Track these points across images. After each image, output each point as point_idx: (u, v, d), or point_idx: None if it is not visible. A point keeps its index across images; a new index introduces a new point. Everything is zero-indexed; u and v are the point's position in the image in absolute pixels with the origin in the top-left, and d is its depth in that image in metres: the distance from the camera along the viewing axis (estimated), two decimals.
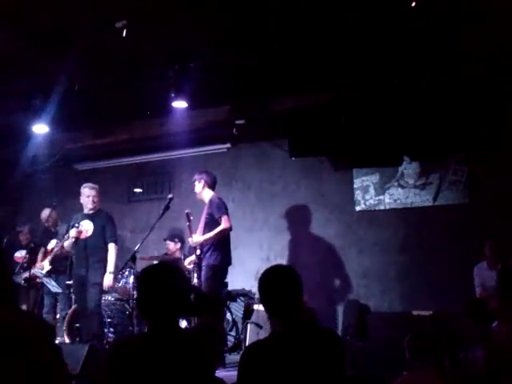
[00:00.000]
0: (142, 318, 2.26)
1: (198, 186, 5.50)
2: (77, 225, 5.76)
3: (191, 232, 5.34)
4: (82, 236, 5.74)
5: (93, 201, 5.84)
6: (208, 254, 5.21)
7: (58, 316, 6.51)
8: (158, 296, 2.12)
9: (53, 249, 6.58)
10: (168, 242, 6.89)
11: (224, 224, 5.20)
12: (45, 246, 6.84)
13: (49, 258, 6.58)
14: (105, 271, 5.62)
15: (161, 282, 2.16)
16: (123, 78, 5.58)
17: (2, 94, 5.85)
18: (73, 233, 5.74)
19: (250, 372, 2.14)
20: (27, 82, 5.69)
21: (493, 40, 4.82)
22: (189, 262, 5.61)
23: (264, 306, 2.36)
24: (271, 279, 2.36)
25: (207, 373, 2.15)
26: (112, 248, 5.71)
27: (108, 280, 5.59)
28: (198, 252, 5.24)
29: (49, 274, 6.48)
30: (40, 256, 6.86)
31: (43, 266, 6.63)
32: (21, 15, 4.49)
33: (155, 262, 6.42)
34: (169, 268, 2.26)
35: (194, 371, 2.06)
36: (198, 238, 5.27)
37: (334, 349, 2.26)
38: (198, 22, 4.62)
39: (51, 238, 6.76)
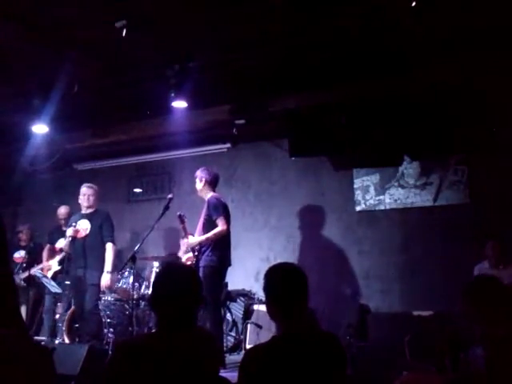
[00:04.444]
0: (157, 312, 2.24)
1: (199, 184, 5.46)
2: (74, 224, 5.76)
3: (186, 233, 5.31)
4: (79, 235, 5.73)
5: (88, 199, 5.84)
6: (206, 255, 5.16)
7: (57, 316, 6.49)
8: (182, 292, 2.14)
9: (61, 249, 6.55)
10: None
11: (220, 226, 5.12)
12: (52, 243, 6.82)
13: (58, 258, 6.57)
14: (102, 271, 5.61)
15: (189, 277, 2.21)
16: (123, 78, 5.58)
17: (1, 94, 5.85)
18: (69, 232, 5.74)
19: (250, 376, 2.13)
20: (27, 82, 5.68)
21: (492, 40, 4.83)
22: (187, 259, 5.58)
23: (270, 306, 2.29)
24: (282, 281, 2.27)
25: (215, 372, 2.16)
26: (109, 247, 5.69)
27: (106, 280, 5.56)
28: (196, 253, 5.22)
29: (56, 274, 6.48)
30: (45, 254, 6.82)
31: (51, 265, 6.62)
32: (21, 15, 4.48)
33: (154, 262, 6.43)
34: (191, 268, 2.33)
35: (204, 369, 2.06)
36: (193, 239, 5.23)
37: (336, 354, 2.23)
38: (198, 22, 4.62)
39: (61, 237, 6.74)
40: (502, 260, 5.31)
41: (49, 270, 6.58)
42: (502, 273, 5.29)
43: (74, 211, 6.22)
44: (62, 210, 6.88)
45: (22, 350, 1.53)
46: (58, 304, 6.57)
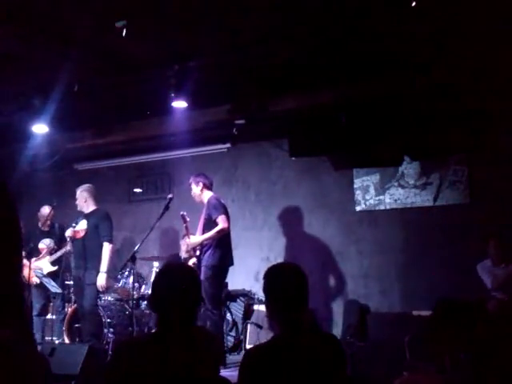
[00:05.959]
0: (156, 312, 2.24)
1: (197, 189, 5.48)
2: (73, 225, 5.79)
3: (188, 233, 5.34)
4: (78, 236, 5.75)
5: (78, 203, 5.87)
6: (207, 255, 5.20)
7: (54, 317, 6.46)
8: (184, 292, 2.14)
9: (52, 249, 6.51)
10: None
11: (221, 224, 5.17)
12: (29, 244, 6.73)
13: (48, 258, 6.53)
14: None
15: (188, 278, 2.22)
16: (123, 78, 5.57)
17: (1, 94, 5.85)
18: (68, 232, 5.77)
19: (250, 376, 2.13)
20: (27, 82, 5.68)
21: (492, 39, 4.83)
22: (193, 263, 5.60)
23: (270, 307, 2.29)
24: (282, 281, 2.27)
25: (215, 371, 2.16)
26: (105, 247, 5.68)
27: (101, 280, 5.55)
28: (198, 253, 5.24)
29: (49, 274, 6.44)
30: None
31: (41, 266, 6.56)
32: (21, 15, 4.48)
33: (155, 262, 6.43)
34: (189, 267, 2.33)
35: (204, 369, 2.06)
36: (195, 238, 5.27)
37: (335, 354, 2.23)
38: (198, 22, 4.62)
39: (43, 237, 6.67)
40: (504, 258, 5.33)
41: (40, 270, 6.53)
42: (504, 271, 5.32)
43: (74, 212, 6.21)
44: (47, 210, 6.78)
45: (21, 355, 1.52)
46: (50, 304, 6.53)
